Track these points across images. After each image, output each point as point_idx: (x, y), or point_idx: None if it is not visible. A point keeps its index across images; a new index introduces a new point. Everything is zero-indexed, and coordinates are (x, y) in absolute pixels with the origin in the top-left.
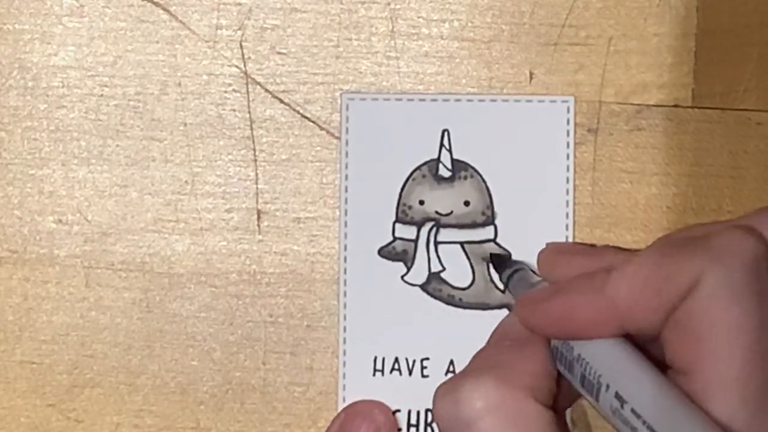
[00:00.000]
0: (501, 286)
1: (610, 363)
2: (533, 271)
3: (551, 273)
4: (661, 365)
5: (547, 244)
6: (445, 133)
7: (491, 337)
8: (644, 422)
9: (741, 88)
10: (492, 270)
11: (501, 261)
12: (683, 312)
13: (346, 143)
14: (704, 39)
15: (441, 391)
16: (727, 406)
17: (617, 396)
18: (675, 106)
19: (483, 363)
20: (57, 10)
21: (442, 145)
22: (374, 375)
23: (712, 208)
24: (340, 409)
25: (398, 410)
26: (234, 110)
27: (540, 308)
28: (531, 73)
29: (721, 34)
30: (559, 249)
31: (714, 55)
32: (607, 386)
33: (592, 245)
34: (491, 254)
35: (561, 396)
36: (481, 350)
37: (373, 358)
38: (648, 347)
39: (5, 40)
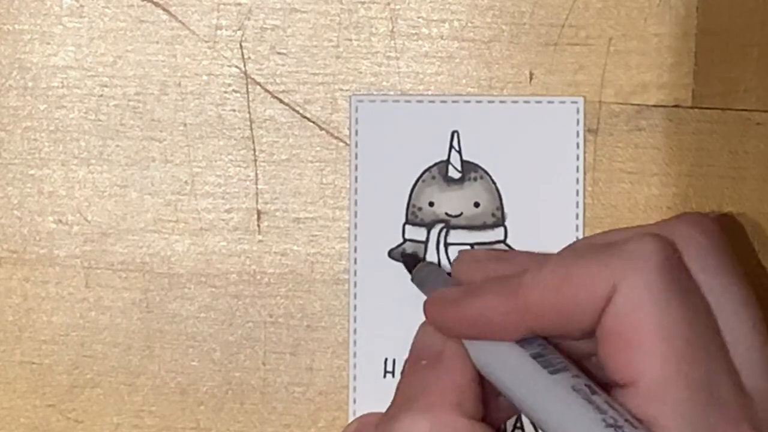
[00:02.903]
0: None
1: (501, 367)
2: (448, 274)
3: (465, 278)
4: (605, 387)
5: (460, 252)
6: (455, 135)
7: (408, 357)
8: (536, 422)
9: (741, 88)
10: None
11: (412, 260)
12: (607, 324)
13: (356, 145)
14: (704, 39)
15: None
16: (672, 416)
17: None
18: (675, 106)
19: (407, 393)
20: (57, 10)
21: (451, 146)
22: (384, 377)
23: (712, 208)
24: (350, 410)
25: None
26: (234, 110)
27: (451, 308)
28: (531, 74)
29: (721, 34)
30: (473, 256)
31: (714, 55)
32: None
33: (506, 251)
34: (402, 253)
35: (492, 400)
36: (402, 377)
37: (383, 359)
38: (591, 368)
39: (5, 40)
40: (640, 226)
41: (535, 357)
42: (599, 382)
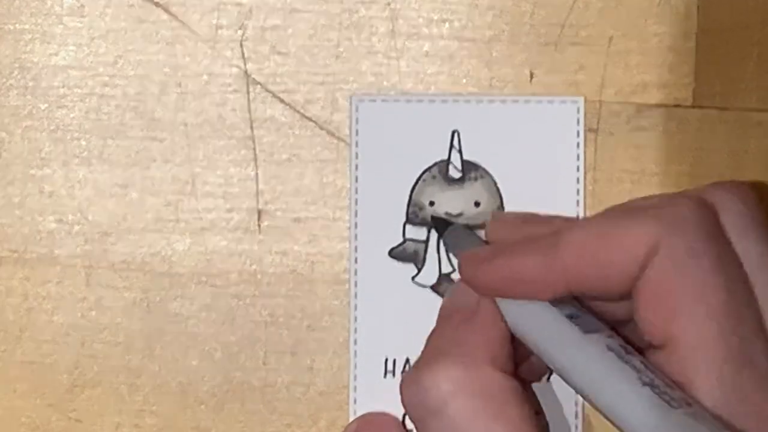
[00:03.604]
0: None
1: (535, 326)
2: (477, 236)
3: (499, 240)
4: (639, 347)
5: (493, 214)
6: (455, 134)
7: (439, 314)
8: (570, 381)
9: (741, 87)
10: None
11: (442, 223)
12: (646, 284)
13: (356, 145)
14: (704, 39)
15: (406, 383)
16: (708, 377)
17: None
18: (675, 106)
19: (439, 345)
20: (57, 10)
21: (452, 146)
22: (385, 376)
23: None
24: (351, 410)
25: None
26: (234, 110)
27: (485, 266)
28: (531, 73)
29: (721, 34)
30: (508, 219)
31: (714, 55)
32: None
33: (539, 214)
34: (432, 217)
35: (522, 361)
36: (434, 331)
37: (384, 359)
38: (626, 333)
39: (5, 40)
40: (678, 192)
41: (569, 317)
42: (633, 345)
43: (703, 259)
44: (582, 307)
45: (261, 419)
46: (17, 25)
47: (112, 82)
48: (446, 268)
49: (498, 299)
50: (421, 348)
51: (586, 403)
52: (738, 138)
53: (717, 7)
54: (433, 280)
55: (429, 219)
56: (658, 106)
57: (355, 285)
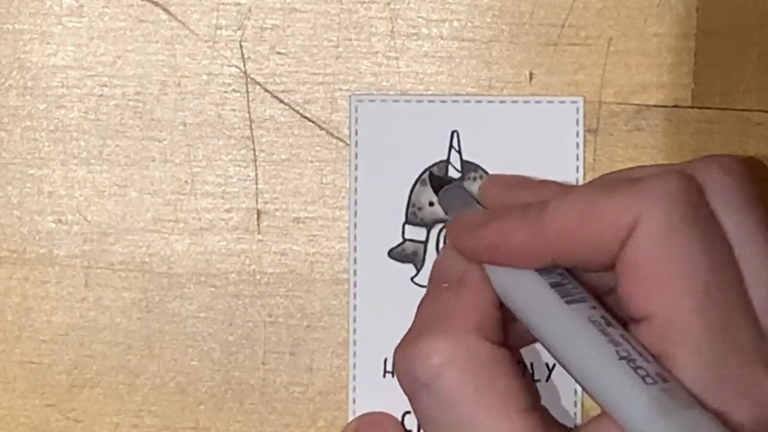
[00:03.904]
0: None
1: (520, 294)
2: (473, 198)
3: (490, 203)
4: (623, 323)
5: (489, 176)
6: (455, 135)
7: (429, 281)
8: (550, 351)
9: (741, 88)
10: None
11: (438, 182)
12: (627, 258)
13: (356, 145)
14: (704, 39)
15: (398, 356)
16: (686, 351)
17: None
18: (675, 106)
19: (428, 316)
20: (57, 10)
21: (451, 146)
22: (384, 376)
23: None
24: (350, 410)
25: (408, 412)
26: (234, 110)
27: (473, 232)
28: (531, 74)
29: (721, 34)
30: (501, 182)
31: (714, 55)
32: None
33: (533, 179)
34: (430, 174)
35: (511, 326)
36: (423, 300)
37: (383, 359)
38: (611, 304)
39: (5, 40)
40: (663, 165)
41: (553, 286)
42: (617, 317)
43: (684, 233)
44: (568, 275)
45: (260, 419)
46: (16, 25)
47: (111, 82)
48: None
49: (486, 265)
50: None
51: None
52: (738, 138)
53: (716, 8)
54: None
55: (428, 219)
56: (658, 106)
57: (355, 285)
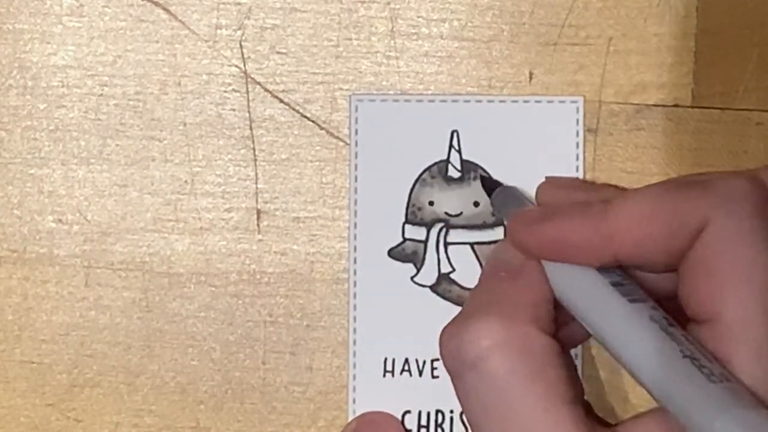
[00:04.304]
0: None
1: (580, 292)
2: (526, 198)
3: (548, 203)
4: (680, 321)
5: (547, 178)
6: (455, 134)
7: (484, 268)
8: (611, 349)
9: (741, 88)
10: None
11: (492, 183)
12: (694, 258)
13: (356, 145)
14: (704, 39)
15: (446, 335)
16: (748, 355)
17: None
18: (675, 106)
19: (482, 300)
20: (57, 10)
21: (451, 145)
22: (384, 376)
23: None
24: (350, 410)
25: (408, 411)
26: (234, 110)
27: (534, 228)
28: (531, 73)
29: (721, 34)
30: (560, 183)
31: (714, 55)
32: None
33: (590, 181)
34: (482, 177)
35: (562, 325)
36: (478, 286)
37: (383, 359)
38: (670, 300)
39: (5, 39)
40: (731, 170)
41: (614, 285)
42: (675, 319)
43: (752, 236)
44: (627, 276)
45: (260, 419)
46: (16, 25)
47: (112, 82)
48: (445, 268)
49: (544, 262)
50: (421, 348)
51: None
52: (737, 138)
53: (716, 8)
54: (433, 280)
55: (428, 219)
56: (658, 106)
57: (355, 285)
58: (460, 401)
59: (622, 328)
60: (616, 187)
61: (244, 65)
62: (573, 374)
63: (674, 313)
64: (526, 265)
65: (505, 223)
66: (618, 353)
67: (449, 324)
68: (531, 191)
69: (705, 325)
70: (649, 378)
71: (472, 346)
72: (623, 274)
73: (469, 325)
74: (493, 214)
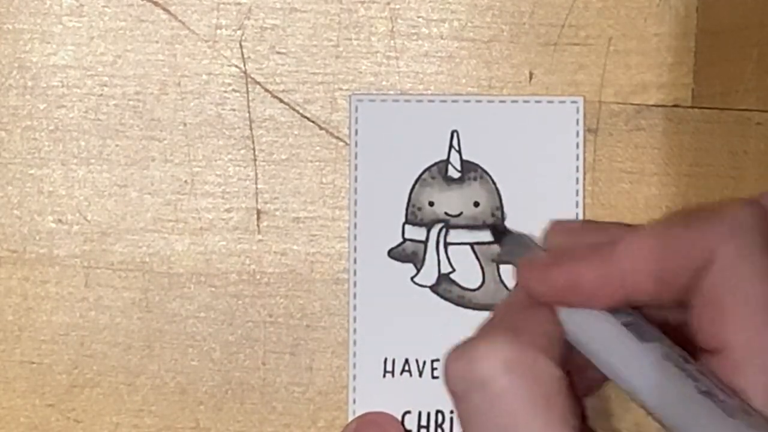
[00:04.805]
0: (510, 286)
1: (592, 334)
2: (536, 245)
3: (557, 247)
4: (692, 352)
5: (552, 222)
6: (455, 134)
7: (495, 309)
8: (627, 389)
9: (741, 88)
10: (501, 271)
11: (499, 231)
12: (704, 291)
13: (356, 145)
14: (704, 39)
15: (454, 354)
16: (764, 386)
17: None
18: (675, 106)
19: (494, 326)
20: (57, 10)
21: (451, 146)
22: (384, 376)
23: None
24: (350, 410)
25: (408, 412)
26: (234, 110)
27: (543, 273)
28: (531, 73)
29: (721, 34)
30: (567, 227)
31: (714, 55)
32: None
33: (598, 222)
34: (491, 225)
35: (575, 370)
36: (489, 317)
37: (383, 359)
38: (681, 330)
39: (5, 39)
40: (736, 198)
41: (626, 325)
42: (687, 349)
43: (761, 264)
44: (639, 314)
45: (260, 419)
46: (16, 25)
47: (112, 82)
48: (445, 268)
49: (557, 308)
50: (421, 348)
51: None
52: (738, 138)
53: (716, 8)
54: (433, 280)
55: (428, 219)
56: (658, 106)
57: (355, 285)
58: (462, 423)
59: (636, 368)
60: (623, 225)
61: (244, 65)
62: (579, 403)
63: (686, 342)
64: (541, 306)
65: (514, 270)
66: (634, 394)
67: (456, 347)
68: (531, 191)
69: (717, 356)
70: (668, 417)
71: (481, 366)
72: (634, 313)
73: (479, 346)
74: (492, 215)
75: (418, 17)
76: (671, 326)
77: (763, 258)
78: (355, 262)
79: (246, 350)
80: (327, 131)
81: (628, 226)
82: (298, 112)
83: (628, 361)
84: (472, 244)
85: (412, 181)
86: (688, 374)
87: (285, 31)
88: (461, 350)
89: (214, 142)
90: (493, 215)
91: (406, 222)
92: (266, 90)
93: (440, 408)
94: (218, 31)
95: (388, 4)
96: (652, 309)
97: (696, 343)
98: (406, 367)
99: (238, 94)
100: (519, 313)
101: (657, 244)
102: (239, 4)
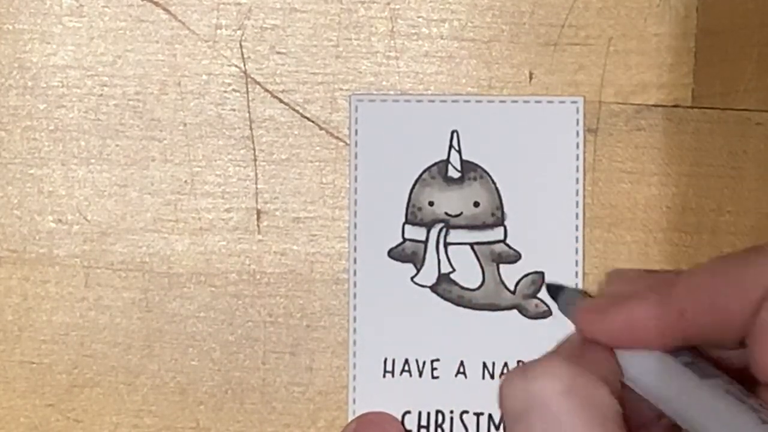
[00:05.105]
0: (510, 286)
1: (652, 374)
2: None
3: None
4: (751, 390)
5: (611, 271)
6: (455, 134)
7: (557, 344)
8: (692, 427)
9: (741, 88)
10: (501, 271)
11: (555, 289)
12: (761, 323)
13: (356, 145)
14: (704, 39)
15: (511, 375)
16: None
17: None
18: (675, 106)
19: (557, 354)
20: (57, 10)
21: (451, 146)
22: (384, 376)
23: (712, 208)
24: (350, 410)
25: (408, 412)
26: (234, 110)
27: (601, 317)
28: (531, 73)
29: (721, 34)
30: (623, 274)
31: (714, 55)
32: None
33: (656, 270)
34: (547, 284)
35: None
36: (550, 350)
37: (383, 359)
38: (740, 371)
39: (5, 39)
40: None
41: (686, 365)
42: (748, 389)
43: None
44: (696, 353)
45: (260, 419)
46: (16, 25)
47: (112, 82)
48: (445, 268)
49: (617, 352)
50: (421, 348)
51: None
52: (737, 138)
53: (716, 8)
54: (433, 280)
55: (428, 219)
56: (658, 106)
57: (355, 285)
58: None
59: (699, 406)
60: (680, 270)
61: (244, 65)
62: None
63: (744, 382)
64: (597, 346)
65: (570, 320)
66: (697, 429)
67: (514, 369)
68: (531, 191)
69: None
70: None
71: (539, 387)
72: (692, 353)
73: (537, 367)
74: (492, 215)
75: (418, 17)
76: (731, 368)
77: None
78: (355, 262)
79: (246, 350)
80: (327, 131)
81: (687, 269)
82: (298, 112)
83: (690, 399)
84: (472, 244)
85: (412, 181)
86: (749, 407)
87: (285, 31)
88: (522, 370)
89: (214, 142)
90: (493, 215)
91: (406, 222)
92: (266, 90)
93: (440, 408)
94: (218, 31)
95: (388, 4)
96: (710, 349)
97: (756, 379)
98: (406, 367)
99: (238, 94)
100: (580, 348)
101: (716, 281)
102: (239, 4)
